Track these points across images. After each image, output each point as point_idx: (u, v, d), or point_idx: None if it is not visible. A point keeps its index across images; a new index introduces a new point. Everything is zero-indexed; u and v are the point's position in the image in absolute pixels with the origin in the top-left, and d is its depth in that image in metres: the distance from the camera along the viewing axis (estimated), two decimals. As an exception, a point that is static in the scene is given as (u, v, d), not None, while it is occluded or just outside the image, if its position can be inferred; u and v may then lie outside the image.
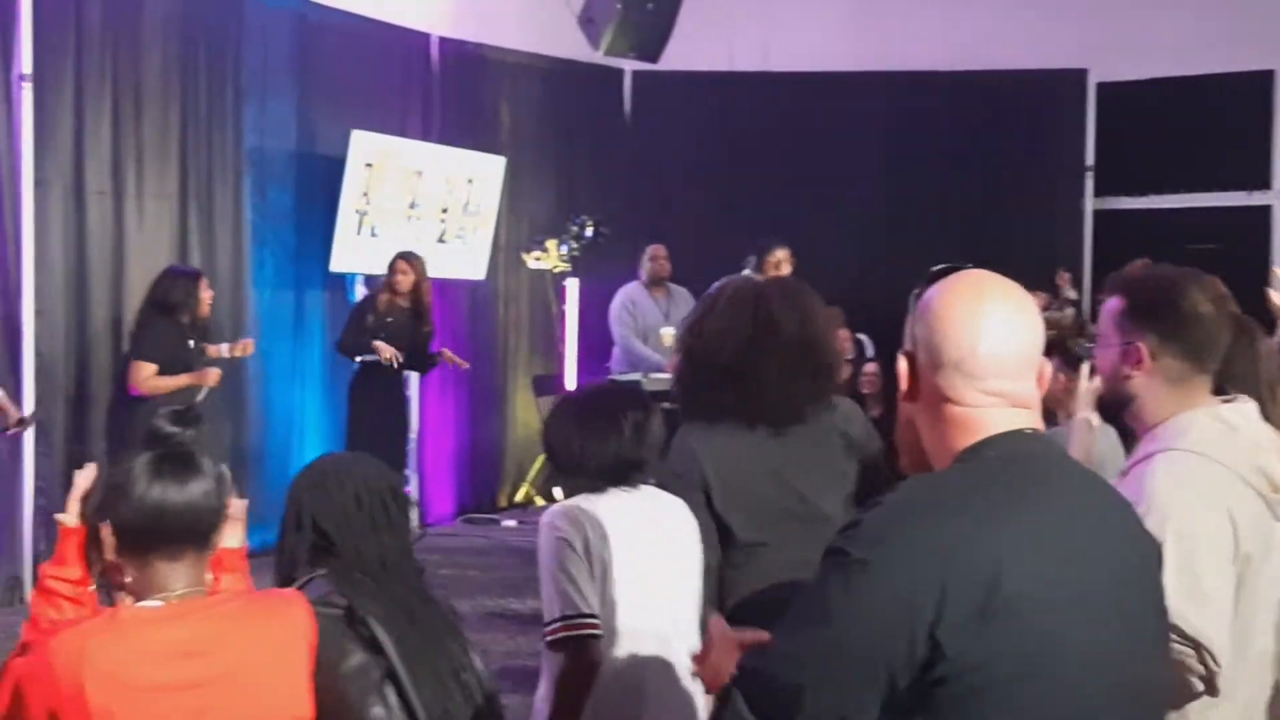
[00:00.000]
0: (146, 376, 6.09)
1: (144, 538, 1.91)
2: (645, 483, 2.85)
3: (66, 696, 1.81)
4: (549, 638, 2.69)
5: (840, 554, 1.49)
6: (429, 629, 2.42)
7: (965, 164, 9.44)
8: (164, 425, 1.92)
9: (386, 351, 7.01)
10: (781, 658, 1.51)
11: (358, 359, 7.16)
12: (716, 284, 3.10)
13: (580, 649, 2.68)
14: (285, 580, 2.37)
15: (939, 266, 1.67)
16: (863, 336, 8.04)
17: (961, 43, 9.32)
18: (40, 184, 6.32)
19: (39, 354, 6.22)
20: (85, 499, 2.10)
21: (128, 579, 1.93)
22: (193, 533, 1.93)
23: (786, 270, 7.16)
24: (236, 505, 2.18)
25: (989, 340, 1.58)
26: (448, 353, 7.58)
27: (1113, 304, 2.27)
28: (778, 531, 2.85)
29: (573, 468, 2.87)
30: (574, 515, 2.75)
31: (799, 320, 2.97)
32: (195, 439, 1.94)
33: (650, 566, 2.77)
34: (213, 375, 6.29)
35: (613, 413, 2.84)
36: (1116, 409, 2.30)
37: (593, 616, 2.68)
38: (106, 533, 1.92)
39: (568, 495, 2.88)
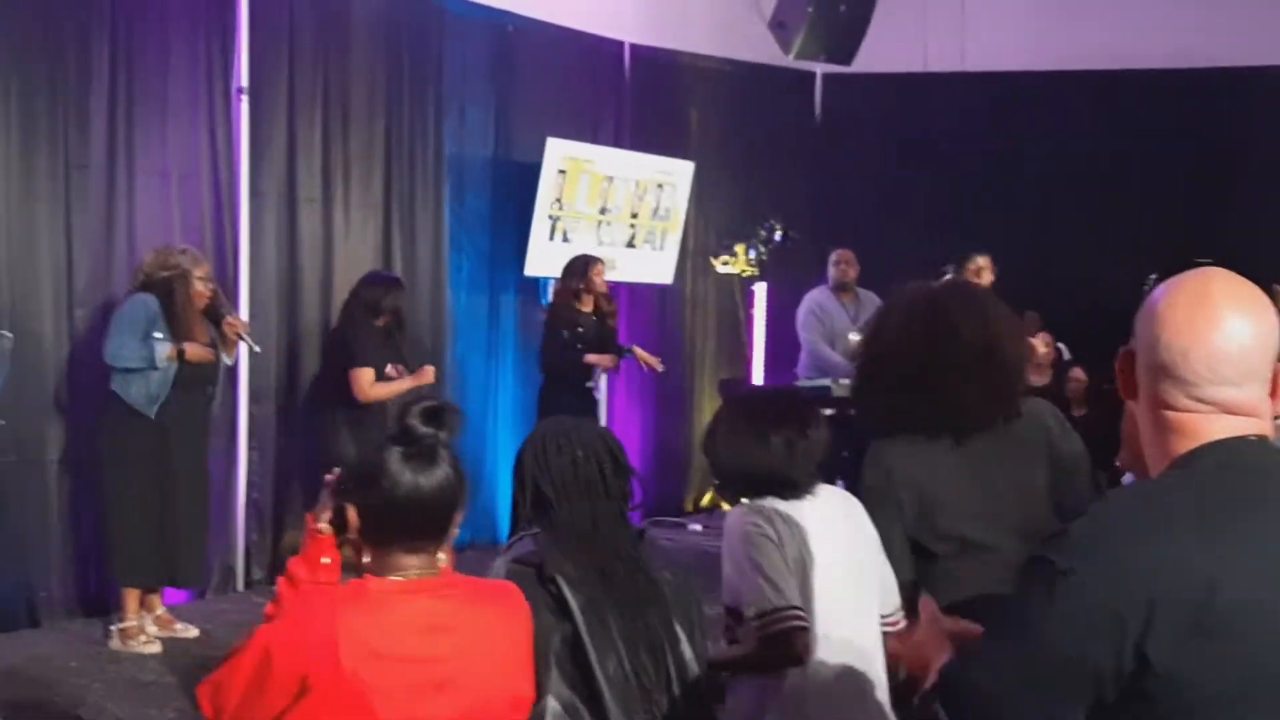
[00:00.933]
0: (368, 383, 6.17)
1: (389, 525, 1.99)
2: (812, 491, 2.80)
3: (319, 660, 1.87)
4: (758, 634, 2.64)
5: (1045, 563, 1.46)
6: (627, 595, 2.47)
7: (1173, 166, 9.02)
8: (418, 425, 1.99)
9: (606, 361, 7.15)
10: (981, 666, 1.48)
11: (587, 383, 7.16)
12: (897, 291, 3.05)
13: (786, 643, 2.62)
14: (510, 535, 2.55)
15: (1182, 261, 1.61)
16: (1060, 345, 7.81)
17: (1169, 39, 8.92)
18: (255, 193, 6.62)
19: (252, 354, 6.52)
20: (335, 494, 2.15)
21: (366, 559, 2.01)
22: (434, 523, 2.01)
23: (988, 278, 7.01)
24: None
25: (1204, 346, 1.50)
26: (640, 351, 7.64)
27: None
28: (967, 545, 2.78)
29: (723, 478, 2.88)
30: (766, 512, 2.73)
31: (978, 324, 2.89)
32: (446, 440, 2.00)
33: (840, 572, 2.72)
34: (429, 373, 6.37)
35: (762, 427, 2.79)
36: None
37: (795, 609, 2.62)
38: (352, 514, 2.00)
39: (735, 501, 2.88)
